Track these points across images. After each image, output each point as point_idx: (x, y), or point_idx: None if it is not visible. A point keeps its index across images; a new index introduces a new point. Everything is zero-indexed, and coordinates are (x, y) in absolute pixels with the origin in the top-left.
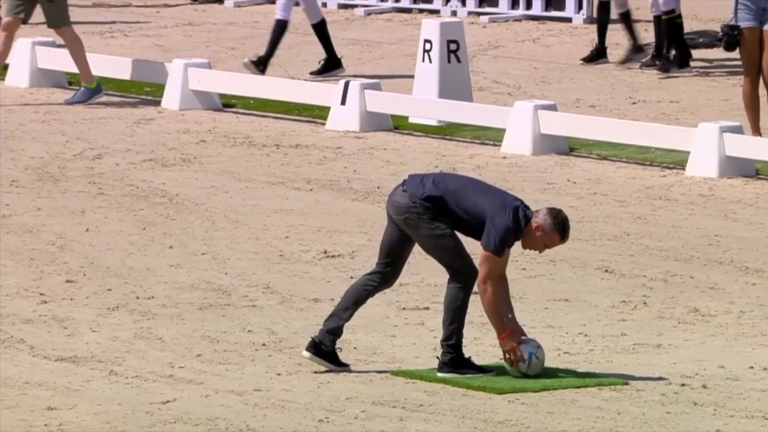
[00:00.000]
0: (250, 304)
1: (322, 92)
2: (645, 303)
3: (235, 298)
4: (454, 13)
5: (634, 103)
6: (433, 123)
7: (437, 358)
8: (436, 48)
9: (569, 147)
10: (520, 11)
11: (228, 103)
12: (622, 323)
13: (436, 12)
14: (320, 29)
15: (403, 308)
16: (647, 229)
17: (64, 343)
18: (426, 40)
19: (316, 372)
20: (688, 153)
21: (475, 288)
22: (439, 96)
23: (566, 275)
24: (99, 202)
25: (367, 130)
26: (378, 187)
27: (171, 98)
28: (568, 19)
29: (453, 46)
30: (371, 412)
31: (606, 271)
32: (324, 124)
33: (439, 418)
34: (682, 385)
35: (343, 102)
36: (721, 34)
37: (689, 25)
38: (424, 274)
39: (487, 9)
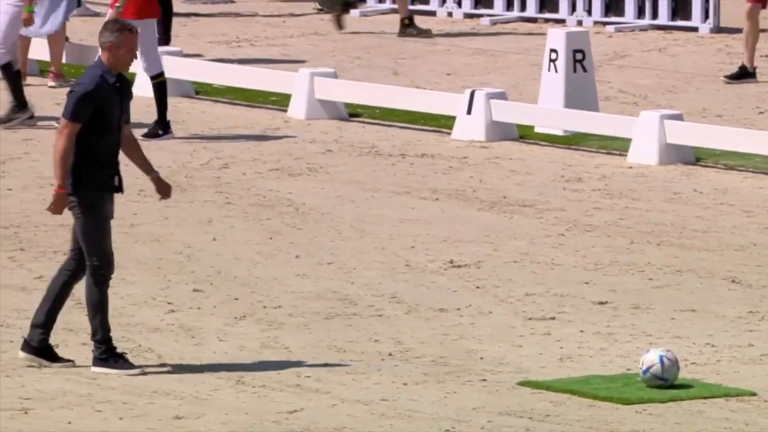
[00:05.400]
0: (377, 314)
1: (448, 102)
2: None
3: (362, 308)
4: (579, 23)
5: (761, 113)
6: (559, 133)
7: (92, 351)
8: (561, 57)
9: (696, 157)
10: (646, 21)
11: (354, 113)
12: (749, 334)
13: (561, 21)
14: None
15: (530, 318)
16: None
17: (191, 352)
18: (552, 50)
19: (441, 382)
20: None
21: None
22: (564, 105)
23: (693, 285)
24: (226, 212)
25: (493, 140)
26: (504, 197)
27: (297, 108)
28: (695, 29)
29: (579, 56)
30: (498, 422)
31: (733, 281)
32: (450, 133)
33: (566, 428)
34: None
35: (468, 111)
36: None
37: None
38: (550, 284)
39: (613, 18)
